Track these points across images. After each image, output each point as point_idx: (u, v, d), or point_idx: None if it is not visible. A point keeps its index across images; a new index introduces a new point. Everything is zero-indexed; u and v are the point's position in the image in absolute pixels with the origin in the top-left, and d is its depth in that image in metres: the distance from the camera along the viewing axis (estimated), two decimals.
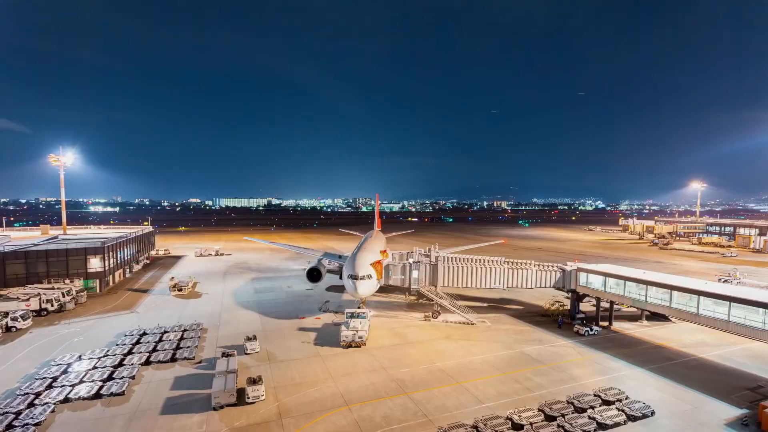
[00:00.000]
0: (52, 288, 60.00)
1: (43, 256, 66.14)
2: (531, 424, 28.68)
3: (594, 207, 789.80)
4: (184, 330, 47.93)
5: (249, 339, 43.84)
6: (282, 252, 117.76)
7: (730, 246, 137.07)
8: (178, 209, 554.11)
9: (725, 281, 69.32)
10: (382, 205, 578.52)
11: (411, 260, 55.46)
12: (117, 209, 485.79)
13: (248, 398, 32.08)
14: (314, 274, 64.22)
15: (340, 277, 57.28)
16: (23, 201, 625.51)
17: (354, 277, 48.36)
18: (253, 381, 33.50)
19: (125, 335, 46.35)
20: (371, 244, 66.68)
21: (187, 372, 37.97)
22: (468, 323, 52.05)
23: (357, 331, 44.14)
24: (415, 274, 55.00)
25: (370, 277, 49.10)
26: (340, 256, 74.50)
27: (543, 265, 54.69)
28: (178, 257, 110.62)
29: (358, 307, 50.11)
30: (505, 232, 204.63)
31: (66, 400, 32.16)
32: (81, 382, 34.67)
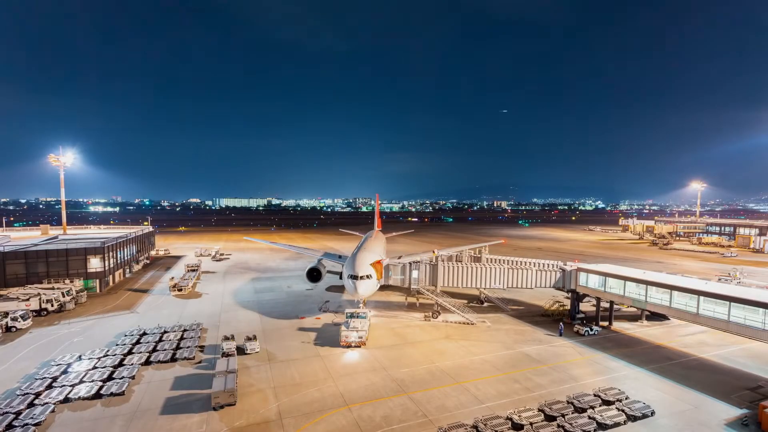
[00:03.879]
0: (52, 288, 59.95)
1: (43, 256, 66.11)
2: (531, 424, 28.66)
3: (594, 207, 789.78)
4: (184, 330, 47.90)
5: (249, 339, 43.89)
6: (282, 252, 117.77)
7: (730, 246, 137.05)
8: (178, 209, 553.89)
9: (724, 281, 69.52)
10: (382, 205, 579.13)
11: (411, 260, 55.48)
12: (117, 209, 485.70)
13: (247, 351, 41.64)
14: (314, 275, 64.51)
15: (340, 277, 57.42)
16: (23, 201, 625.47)
17: (354, 277, 48.56)
18: (249, 339, 43.61)
19: (125, 335, 46.31)
20: (371, 244, 67.03)
21: (187, 372, 37.95)
22: (468, 323, 52.06)
23: (357, 331, 44.16)
24: (415, 273, 55.00)
25: (369, 277, 49.29)
26: (339, 257, 74.59)
27: (543, 265, 54.65)
28: (178, 257, 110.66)
29: (359, 308, 50.14)
30: (505, 232, 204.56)
31: (66, 400, 32.13)
32: (81, 382, 34.63)
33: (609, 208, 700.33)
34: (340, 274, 57.51)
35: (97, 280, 69.18)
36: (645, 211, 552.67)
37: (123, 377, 35.59)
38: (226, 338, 43.58)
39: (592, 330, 48.89)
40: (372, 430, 28.82)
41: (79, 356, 40.00)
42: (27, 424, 28.10)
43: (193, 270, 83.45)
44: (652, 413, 30.76)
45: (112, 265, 72.56)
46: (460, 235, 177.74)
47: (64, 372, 36.54)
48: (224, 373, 34.11)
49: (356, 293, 48.67)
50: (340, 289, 69.01)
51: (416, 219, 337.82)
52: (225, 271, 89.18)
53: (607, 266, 54.40)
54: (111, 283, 74.32)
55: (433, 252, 58.13)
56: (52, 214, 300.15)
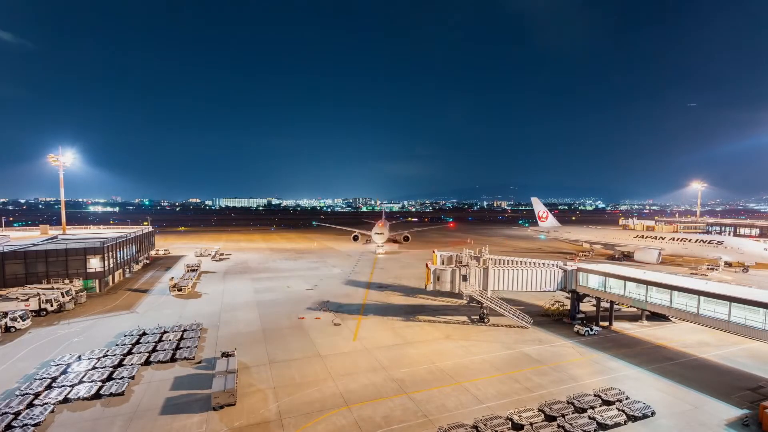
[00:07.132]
0: (52, 288, 59.89)
1: (42, 256, 66.04)
2: (531, 424, 28.62)
3: (594, 207, 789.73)
4: (184, 330, 47.83)
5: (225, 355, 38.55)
6: (281, 252, 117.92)
7: None
8: (177, 209, 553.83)
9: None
10: (382, 204, 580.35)
11: (460, 264, 54.69)
12: (116, 209, 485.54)
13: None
14: (356, 239, 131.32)
15: (358, 241, 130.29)
16: (23, 201, 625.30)
17: (376, 234, 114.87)
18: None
19: (125, 335, 46.27)
20: (384, 223, 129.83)
21: (187, 372, 37.91)
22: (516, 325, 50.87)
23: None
24: (465, 278, 53.55)
25: (383, 234, 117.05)
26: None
27: (542, 264, 54.36)
28: (178, 257, 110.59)
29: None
30: (505, 232, 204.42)
31: (65, 400, 32.09)
32: (80, 382, 34.60)
33: (609, 208, 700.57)
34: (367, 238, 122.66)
35: (97, 280, 69.12)
36: (645, 211, 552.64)
37: (123, 377, 35.53)
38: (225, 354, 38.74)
39: (592, 330, 48.84)
40: (372, 430, 28.78)
41: (79, 356, 39.95)
42: (26, 425, 28.04)
43: (193, 270, 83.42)
44: (653, 413, 30.70)
45: (111, 265, 72.49)
46: (459, 235, 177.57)
47: (64, 372, 36.50)
48: (224, 373, 34.04)
49: (378, 241, 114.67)
50: (340, 289, 69.05)
51: (416, 219, 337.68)
52: (225, 271, 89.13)
53: (608, 266, 54.33)
54: (111, 283, 74.24)
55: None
56: (52, 214, 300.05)
